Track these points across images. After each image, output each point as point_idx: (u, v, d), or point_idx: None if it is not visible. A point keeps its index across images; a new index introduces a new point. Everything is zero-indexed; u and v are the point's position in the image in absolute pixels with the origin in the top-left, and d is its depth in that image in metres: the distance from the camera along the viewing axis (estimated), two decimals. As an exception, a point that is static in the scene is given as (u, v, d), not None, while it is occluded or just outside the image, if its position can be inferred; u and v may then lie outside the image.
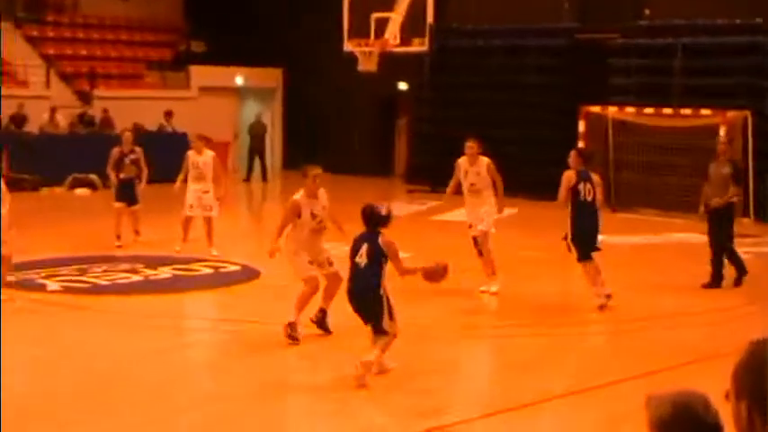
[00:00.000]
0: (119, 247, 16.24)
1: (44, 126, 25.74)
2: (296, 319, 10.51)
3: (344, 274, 9.86)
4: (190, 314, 12.91)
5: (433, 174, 25.75)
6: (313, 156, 27.95)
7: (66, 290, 13.08)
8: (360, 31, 22.54)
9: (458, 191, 13.52)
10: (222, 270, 14.76)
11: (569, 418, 8.75)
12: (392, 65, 23.57)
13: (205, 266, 14.90)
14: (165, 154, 22.74)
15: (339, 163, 25.06)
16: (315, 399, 9.09)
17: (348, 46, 22.96)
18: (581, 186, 12.34)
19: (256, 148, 28.89)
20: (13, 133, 24.83)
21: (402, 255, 9.33)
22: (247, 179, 28.55)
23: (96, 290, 13.21)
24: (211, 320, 12.47)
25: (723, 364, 2.90)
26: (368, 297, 9.05)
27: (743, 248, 14.90)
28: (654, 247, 17.83)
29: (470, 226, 13.34)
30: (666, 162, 21.34)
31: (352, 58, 22.91)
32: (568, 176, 12.38)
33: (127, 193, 16.52)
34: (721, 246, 13.83)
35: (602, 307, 12.25)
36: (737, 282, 13.93)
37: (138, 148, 16.73)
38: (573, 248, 12.41)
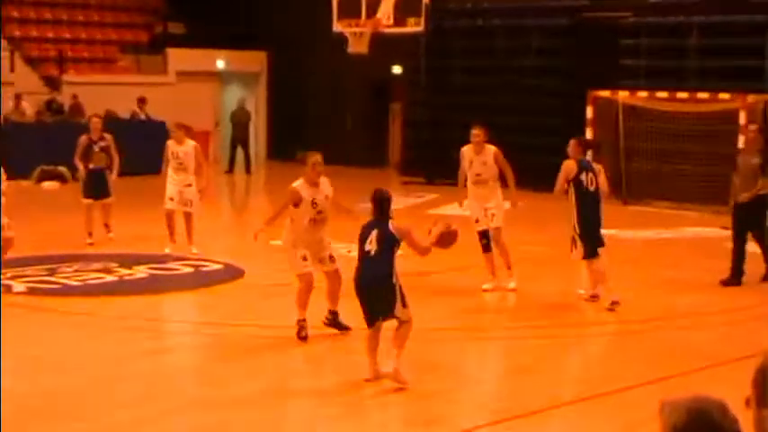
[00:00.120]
0: (90, 244, 16.23)
1: (9, 114, 25.70)
2: (301, 316, 10.67)
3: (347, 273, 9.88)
4: (169, 317, 12.90)
5: (429, 164, 25.81)
6: (300, 145, 27.97)
7: (34, 291, 13.07)
8: (350, 11, 22.52)
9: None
10: (203, 269, 14.77)
11: (579, 427, 8.78)
12: (385, 47, 23.56)
13: (184, 265, 14.90)
14: (140, 144, 22.75)
15: (328, 153, 24.68)
16: (316, 403, 9.14)
17: (338, 26, 22.94)
18: (583, 176, 12.45)
19: (239, 138, 28.87)
20: (-25, 122, 24.80)
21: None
22: (230, 171, 28.53)
23: (66, 291, 13.20)
24: (192, 323, 12.47)
25: (742, 368, 2.92)
26: (380, 286, 9.14)
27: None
28: (667, 242, 17.86)
29: (477, 221, 13.36)
30: (681, 150, 21.36)
31: (341, 40, 22.90)
32: (568, 166, 12.48)
33: (97, 186, 16.45)
34: (744, 240, 13.85)
35: (613, 304, 12.30)
36: (766, 277, 13.99)
37: (107, 135, 16.68)
38: (579, 245, 12.47)
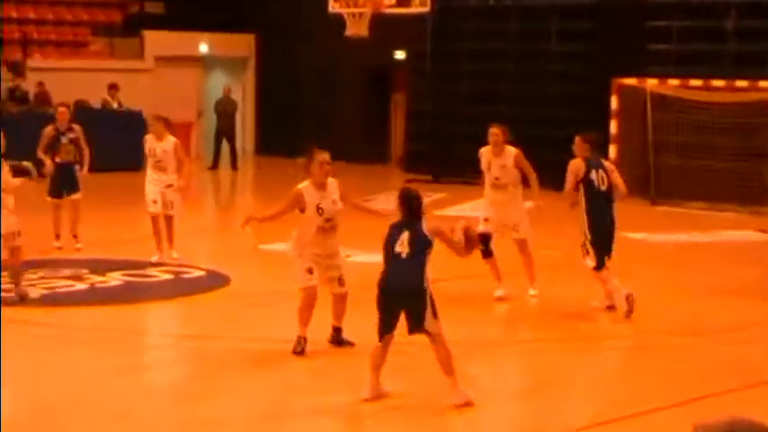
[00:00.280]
0: (58, 248, 16.24)
1: (-32, 104, 25.75)
2: (302, 334, 10.71)
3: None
4: (146, 329, 12.91)
5: (435, 160, 25.82)
6: (292, 139, 28.04)
7: (-4, 300, 13.05)
8: (348, -11, 22.58)
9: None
10: (184, 276, 14.77)
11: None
12: (387, 29, 23.59)
13: (164, 272, 14.91)
14: (113, 136, 22.80)
15: (323, 147, 25.00)
16: (310, 425, 9.14)
17: (334, 6, 22.98)
18: (593, 175, 12.53)
19: (224, 130, 28.91)
20: (-70, 112, 24.84)
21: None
22: (214, 167, 28.57)
23: (32, 300, 13.19)
24: (172, 336, 12.47)
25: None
26: (411, 292, 9.15)
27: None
28: (700, 246, 17.87)
29: (486, 219, 13.42)
30: (715, 144, 21.39)
31: (338, 21, 22.93)
32: (576, 165, 12.59)
33: (65, 182, 16.38)
34: None
35: (628, 312, 12.32)
36: None
37: (76, 126, 16.65)
38: (592, 252, 12.53)
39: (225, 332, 11.82)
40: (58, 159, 16.37)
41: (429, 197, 22.91)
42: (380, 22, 22.75)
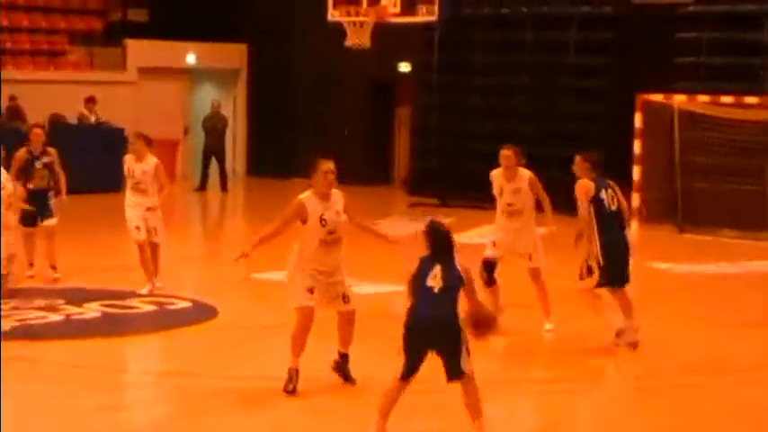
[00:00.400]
0: (31, 277, 16.26)
1: (-65, 119, 25.82)
2: (294, 365, 10.68)
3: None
4: (125, 365, 12.91)
5: (442, 182, 25.84)
6: (286, 158, 28.05)
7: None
8: (349, -4, 22.70)
9: None
10: (168, 307, 14.80)
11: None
12: (390, 39, 23.69)
13: (146, 302, 14.93)
14: (91, 154, 22.83)
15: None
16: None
17: (333, 15, 23.07)
18: (603, 195, 12.65)
19: (213, 148, 28.94)
20: None
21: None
22: (201, 188, 28.60)
23: (3, 333, 13.22)
24: (154, 373, 12.49)
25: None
26: (445, 327, 9.24)
27: None
28: (729, 278, 17.88)
29: (494, 244, 13.51)
30: (748, 167, 21.42)
31: (338, 31, 23.02)
32: (586, 186, 12.69)
33: (39, 208, 16.27)
34: None
35: (636, 345, 12.43)
36: None
37: (51, 150, 16.56)
38: (596, 272, 12.61)
39: (210, 369, 11.83)
40: (30, 186, 16.22)
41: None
42: (384, 32, 22.83)
